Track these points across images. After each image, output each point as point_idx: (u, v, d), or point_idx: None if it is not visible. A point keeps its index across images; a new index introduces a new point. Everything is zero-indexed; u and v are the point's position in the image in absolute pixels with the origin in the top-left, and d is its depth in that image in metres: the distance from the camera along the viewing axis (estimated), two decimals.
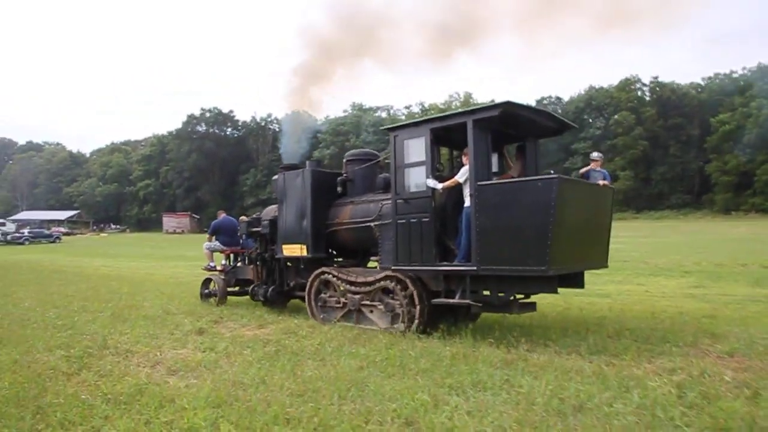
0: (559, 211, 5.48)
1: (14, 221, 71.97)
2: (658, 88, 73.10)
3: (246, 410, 3.85)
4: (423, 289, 6.84)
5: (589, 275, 15.63)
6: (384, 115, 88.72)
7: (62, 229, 74.59)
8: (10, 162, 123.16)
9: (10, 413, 3.80)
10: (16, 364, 5.29)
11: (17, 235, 56.52)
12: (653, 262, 19.86)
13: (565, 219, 5.69)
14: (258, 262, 9.67)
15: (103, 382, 4.69)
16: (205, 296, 10.32)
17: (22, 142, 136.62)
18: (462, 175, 6.46)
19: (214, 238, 11.00)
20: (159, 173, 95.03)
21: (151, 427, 3.60)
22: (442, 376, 4.88)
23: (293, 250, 8.48)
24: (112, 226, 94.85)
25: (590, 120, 75.85)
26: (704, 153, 67.05)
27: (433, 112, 79.13)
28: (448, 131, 6.77)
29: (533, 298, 7.06)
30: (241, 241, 10.67)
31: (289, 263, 9.09)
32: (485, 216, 6.00)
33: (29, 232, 58.65)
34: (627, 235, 42.85)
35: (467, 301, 6.29)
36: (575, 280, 6.80)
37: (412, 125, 6.97)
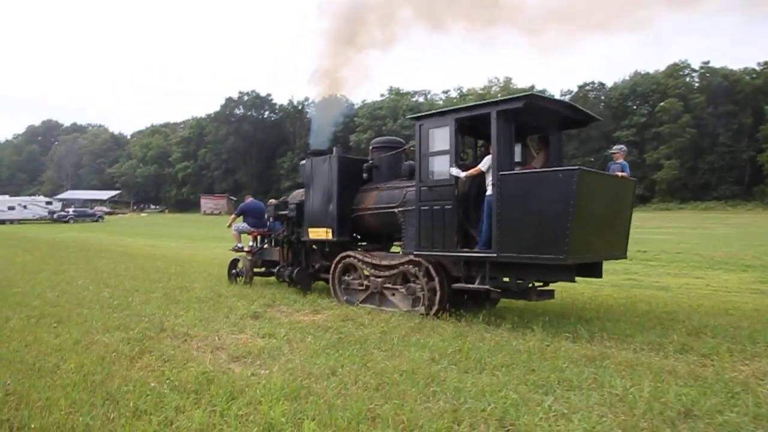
0: (579, 201, 5.56)
1: (59, 200, 74.21)
2: (708, 74, 69.95)
3: (325, 405, 3.57)
4: (444, 274, 6.98)
5: (644, 267, 15.48)
6: (421, 99, 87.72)
7: (104, 209, 76.66)
8: (56, 143, 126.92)
9: (82, 399, 3.62)
10: (79, 345, 5.17)
11: (63, 213, 58.33)
12: (708, 254, 18.97)
13: (585, 209, 5.77)
14: (284, 244, 9.83)
15: (168, 368, 4.49)
16: (233, 276, 10.50)
17: (67, 123, 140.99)
18: (485, 164, 6.52)
19: (240, 219, 11.17)
20: (197, 155, 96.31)
21: (227, 421, 3.35)
22: (523, 372, 4.54)
23: (319, 234, 8.71)
24: (152, 207, 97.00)
25: (634, 107, 73.29)
26: (757, 142, 64.11)
27: (471, 97, 77.82)
28: (473, 121, 6.85)
29: (552, 286, 7.13)
30: (268, 223, 10.81)
31: (314, 246, 9.36)
32: (506, 205, 6.13)
33: (74, 211, 60.43)
34: (673, 225, 41.50)
35: (486, 286, 6.40)
36: (594, 270, 6.88)
37: (438, 114, 7.09)
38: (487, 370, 4.61)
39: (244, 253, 10.91)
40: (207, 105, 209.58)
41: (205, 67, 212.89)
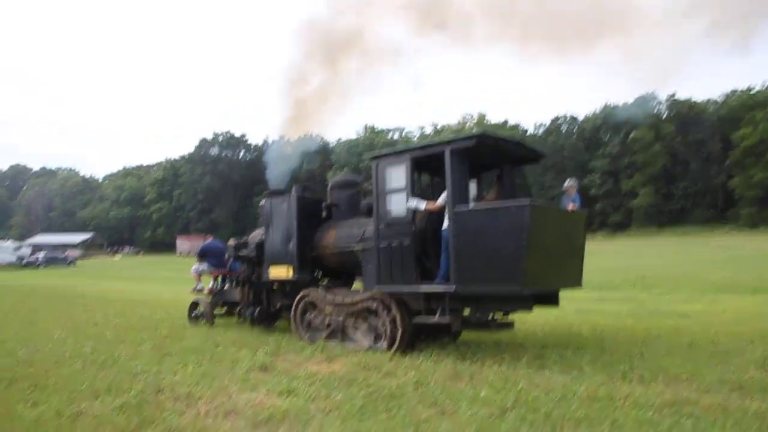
0: (531, 234, 5.72)
1: (30, 245, 71.47)
2: (675, 105, 71.95)
3: None
4: (404, 309, 7.04)
5: (649, 294, 14.96)
6: (396, 136, 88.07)
7: (77, 252, 74.01)
8: (25, 187, 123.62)
9: None
10: (62, 418, 4.24)
11: (32, 259, 55.92)
12: (707, 278, 18.71)
13: (538, 241, 5.91)
14: (245, 284, 9.82)
15: None
16: (193, 319, 10.46)
17: (36, 168, 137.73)
18: (443, 199, 6.69)
19: (202, 260, 11.12)
20: (172, 196, 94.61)
21: None
22: (609, 428, 3.79)
23: (280, 273, 8.71)
24: (126, 249, 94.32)
25: (606, 138, 74.68)
26: (727, 168, 65.67)
27: (445, 133, 78.31)
28: (429, 159, 7.02)
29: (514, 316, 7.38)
30: (228, 263, 10.74)
31: (275, 285, 9.33)
32: (462, 239, 6.25)
33: (44, 256, 58.09)
34: (655, 251, 41.56)
35: (447, 319, 6.45)
36: (551, 299, 7.05)
37: (394, 154, 7.27)
38: (566, 428, 3.85)
39: (204, 295, 10.87)
40: (180, 147, 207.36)
41: (178, 109, 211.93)
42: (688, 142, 68.34)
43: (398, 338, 6.92)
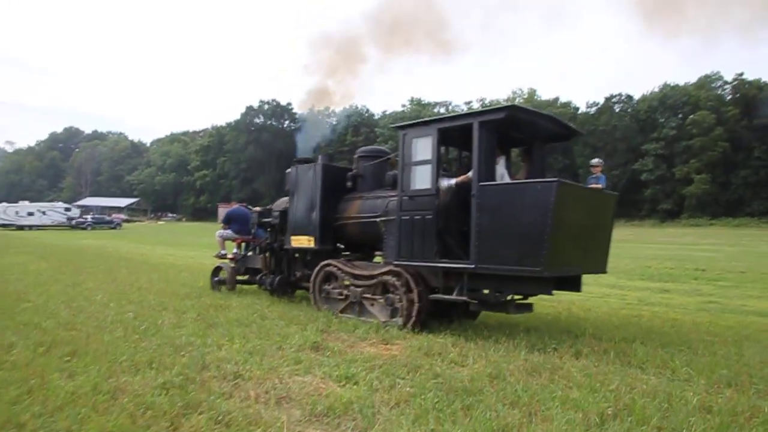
0: (556, 213, 5.50)
1: (78, 207, 73.87)
2: (743, 86, 67.75)
3: None
4: (423, 285, 6.85)
5: (715, 287, 13.90)
6: (443, 110, 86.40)
7: (122, 216, 76.21)
8: (77, 150, 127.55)
9: None
10: (99, 394, 3.78)
11: (81, 220, 57.82)
12: None
13: (563, 222, 5.71)
14: (267, 252, 9.76)
15: None
16: (216, 284, 10.36)
17: (87, 131, 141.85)
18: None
19: (227, 226, 10.98)
20: (216, 164, 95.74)
21: None
22: None
23: (301, 242, 8.61)
24: (169, 215, 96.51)
25: (662, 120, 71.18)
26: None
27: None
28: (457, 132, 6.79)
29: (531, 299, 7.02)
30: (252, 230, 10.63)
31: (297, 254, 9.24)
32: (485, 216, 6.05)
33: (92, 218, 59.96)
34: (709, 242, 39.57)
35: (464, 297, 6.31)
36: (573, 284, 6.81)
37: (421, 124, 7.02)
38: None
39: (227, 260, 10.75)
40: (227, 113, 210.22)
41: (226, 75, 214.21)
42: (753, 126, 64.41)
43: (414, 314, 6.74)
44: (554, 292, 6.57)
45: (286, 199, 9.46)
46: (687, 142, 65.76)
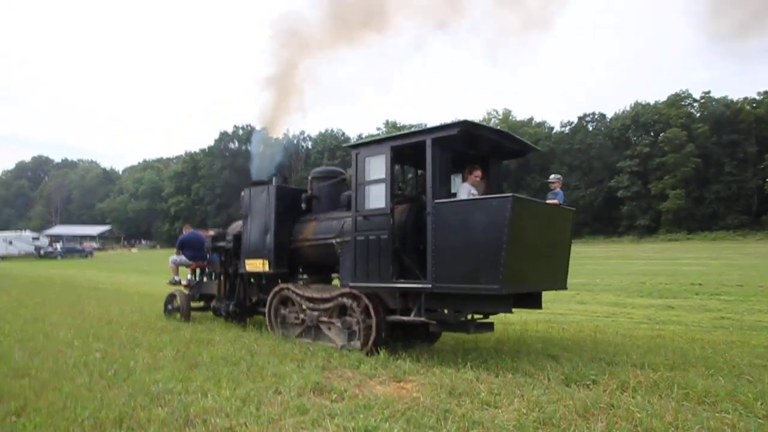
0: (512, 229, 5.40)
1: (48, 236, 71.30)
2: (712, 103, 69.33)
3: None
4: (380, 307, 6.68)
5: (720, 302, 13.39)
6: None
7: (94, 245, 73.87)
8: (46, 178, 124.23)
9: None
10: None
11: (50, 249, 55.62)
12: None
13: (520, 238, 5.62)
14: (222, 277, 9.53)
15: None
16: (169, 312, 9.97)
17: (57, 159, 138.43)
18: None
19: (180, 251, 10.66)
20: (191, 190, 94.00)
21: None
22: None
23: (256, 266, 8.40)
24: (143, 242, 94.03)
25: (635, 138, 72.27)
26: (763, 171, 63.06)
27: None
28: (410, 149, 6.66)
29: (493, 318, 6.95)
30: (207, 255, 10.30)
31: (252, 279, 9.05)
32: (441, 234, 5.91)
33: (62, 247, 57.80)
34: (691, 256, 39.55)
35: (422, 318, 6.14)
36: (533, 301, 6.71)
37: (374, 143, 6.86)
38: None
39: (181, 287, 10.43)
40: (201, 140, 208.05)
41: (198, 102, 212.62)
42: (722, 143, 65.75)
43: (372, 337, 6.55)
44: (525, 310, 6.68)
45: (239, 222, 9.23)
46: (660, 159, 66.78)
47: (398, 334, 7.19)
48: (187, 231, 11.14)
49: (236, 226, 9.51)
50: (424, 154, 6.23)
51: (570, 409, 4.08)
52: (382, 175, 6.58)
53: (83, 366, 5.46)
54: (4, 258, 50.56)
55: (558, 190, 7.43)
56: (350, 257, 6.83)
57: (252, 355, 6.18)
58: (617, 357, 6.29)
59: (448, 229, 5.87)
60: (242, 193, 9.11)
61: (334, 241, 7.40)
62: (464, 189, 6.55)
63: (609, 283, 19.17)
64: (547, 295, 14.84)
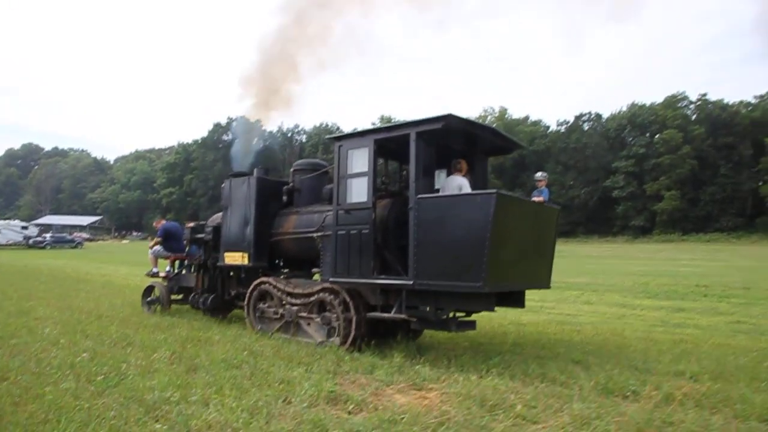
0: (496, 226, 5.32)
1: (37, 225, 70.21)
2: (708, 105, 69.28)
3: None
4: (361, 303, 6.57)
5: (731, 305, 13.03)
6: None
7: (84, 235, 72.84)
8: (36, 167, 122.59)
9: None
10: None
11: (39, 239, 54.58)
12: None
13: (504, 236, 5.58)
14: (200, 270, 9.33)
15: None
16: (147, 304, 9.82)
17: (48, 147, 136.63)
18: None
19: (161, 241, 10.49)
20: (183, 181, 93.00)
21: None
22: None
23: (235, 258, 8.22)
24: (134, 233, 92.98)
25: (630, 139, 72.12)
26: (758, 174, 63.15)
27: None
28: (394, 143, 6.55)
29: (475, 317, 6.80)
30: (186, 248, 10.06)
31: (231, 272, 8.84)
32: (423, 230, 5.82)
33: (51, 237, 56.81)
34: (687, 258, 39.48)
35: (402, 315, 6.01)
36: (515, 300, 6.70)
37: (357, 135, 6.75)
38: None
39: (159, 279, 10.26)
40: (194, 130, 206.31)
41: (193, 91, 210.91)
42: (718, 145, 65.76)
43: (352, 334, 6.43)
44: (511, 308, 6.63)
45: (219, 214, 9.01)
46: (656, 160, 66.75)
47: (382, 331, 7.04)
48: (161, 223, 10.86)
49: (216, 218, 9.29)
50: (408, 148, 6.10)
51: (622, 426, 3.61)
52: (365, 169, 6.43)
53: (69, 368, 4.93)
54: None
55: (544, 187, 7.30)
56: (331, 252, 6.69)
57: (255, 357, 5.69)
58: (648, 364, 5.86)
59: (431, 225, 5.75)
60: (222, 184, 8.89)
61: (315, 235, 7.25)
62: (454, 181, 6.42)
63: (612, 283, 18.82)
64: (552, 295, 14.62)
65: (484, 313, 10.66)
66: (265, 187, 8.22)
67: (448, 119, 5.84)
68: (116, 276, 19.57)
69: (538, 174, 7.50)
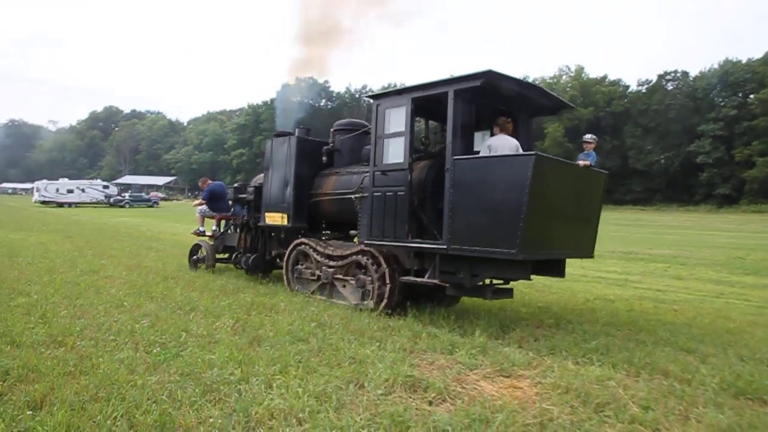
0: (533, 191, 5.03)
1: (117, 185, 74.09)
2: None
3: None
4: (396, 267, 6.42)
5: None
6: None
7: (160, 194, 76.17)
8: (116, 129, 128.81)
9: None
10: None
11: (119, 198, 57.65)
12: None
13: (542, 200, 5.27)
14: (243, 230, 9.37)
15: None
16: (194, 263, 9.98)
17: (126, 110, 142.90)
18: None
19: (206, 202, 10.67)
20: (252, 143, 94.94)
21: None
22: None
23: (275, 219, 8.19)
24: None
25: (720, 100, 66.42)
26: None
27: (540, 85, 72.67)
28: (432, 102, 6.28)
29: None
30: (231, 208, 10.19)
31: (272, 232, 8.83)
32: (459, 193, 5.58)
33: (130, 196, 59.78)
34: None
35: (435, 280, 5.87)
36: (555, 269, 6.31)
37: (395, 93, 6.53)
38: None
39: (206, 238, 10.43)
40: (263, 91, 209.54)
41: (262, 53, 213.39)
42: None
43: (385, 297, 6.30)
44: (549, 277, 6.35)
45: (262, 174, 8.87)
46: (749, 123, 61.27)
47: (419, 295, 6.93)
48: (207, 183, 11.01)
49: (259, 178, 9.22)
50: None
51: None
52: (402, 128, 6.21)
53: (129, 335, 4.64)
54: (77, 205, 52.75)
55: (591, 151, 6.70)
56: (367, 214, 6.56)
57: (323, 329, 5.23)
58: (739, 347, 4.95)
59: (467, 188, 5.52)
60: (265, 145, 8.79)
61: (353, 196, 7.12)
62: (508, 141, 6.02)
63: (702, 257, 17.25)
64: (636, 267, 13.44)
65: (567, 286, 9.95)
66: (305, 148, 8.08)
67: (488, 76, 5.51)
68: (187, 235, 19.97)
69: (587, 136, 7.06)
